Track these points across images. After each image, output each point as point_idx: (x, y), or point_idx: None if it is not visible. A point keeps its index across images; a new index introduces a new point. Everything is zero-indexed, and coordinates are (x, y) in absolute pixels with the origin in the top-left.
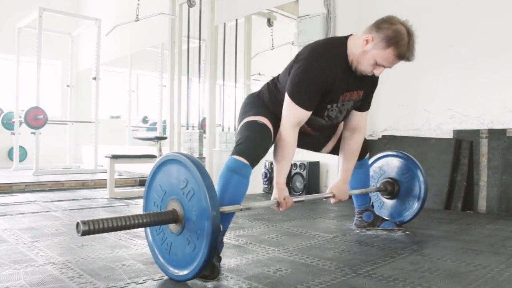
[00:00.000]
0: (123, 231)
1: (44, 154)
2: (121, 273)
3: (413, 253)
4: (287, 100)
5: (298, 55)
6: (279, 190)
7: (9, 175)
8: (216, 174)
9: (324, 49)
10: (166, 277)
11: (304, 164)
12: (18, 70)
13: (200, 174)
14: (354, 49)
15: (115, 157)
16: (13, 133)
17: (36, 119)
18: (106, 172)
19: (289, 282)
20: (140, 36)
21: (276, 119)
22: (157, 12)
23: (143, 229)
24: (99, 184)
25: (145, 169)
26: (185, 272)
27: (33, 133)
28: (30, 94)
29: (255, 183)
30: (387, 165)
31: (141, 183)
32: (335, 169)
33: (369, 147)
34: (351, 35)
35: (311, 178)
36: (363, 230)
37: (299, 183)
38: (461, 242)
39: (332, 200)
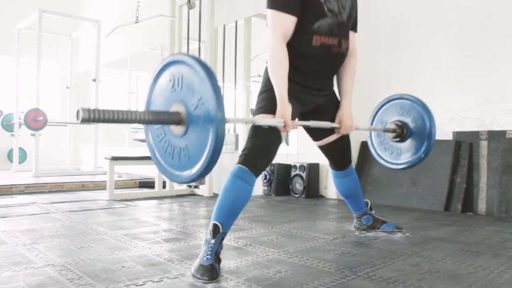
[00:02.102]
0: (123, 233)
1: (43, 156)
2: (121, 275)
3: (413, 254)
4: (268, 13)
5: None
6: (284, 107)
7: (9, 176)
8: (215, 176)
9: None
10: (166, 279)
11: (304, 166)
12: (18, 72)
13: (207, 76)
14: None
15: (114, 158)
16: (13, 135)
17: (35, 121)
18: (105, 174)
19: (289, 284)
20: (139, 37)
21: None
22: (156, 14)
23: (142, 231)
24: (99, 186)
25: (145, 171)
26: (191, 172)
27: (33, 134)
28: (30, 96)
29: (255, 185)
30: (393, 108)
31: (141, 184)
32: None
33: (350, 157)
34: None
35: (311, 179)
36: (363, 232)
37: (298, 185)
38: (461, 244)
39: (340, 131)
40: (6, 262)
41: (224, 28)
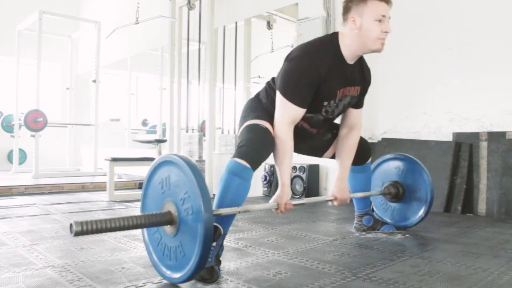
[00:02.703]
0: (122, 234)
1: (43, 157)
2: (121, 276)
3: (413, 256)
4: (279, 98)
5: (289, 54)
6: (283, 192)
7: (9, 177)
8: (216, 177)
9: (314, 46)
10: (165, 281)
11: (303, 167)
12: (18, 73)
13: (194, 176)
14: (348, 40)
15: (114, 160)
16: (13, 136)
17: (35, 122)
18: (105, 175)
19: (289, 285)
20: (140, 38)
21: None
22: (157, 15)
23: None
24: (99, 187)
25: (144, 172)
26: (178, 275)
27: (33, 135)
28: (30, 97)
29: (255, 186)
30: (391, 168)
31: (141, 186)
32: (334, 171)
33: (370, 152)
34: (337, 31)
35: (311, 181)
36: (363, 233)
37: (298, 186)
38: (461, 245)
39: (335, 203)
40: (6, 263)
41: (224, 29)
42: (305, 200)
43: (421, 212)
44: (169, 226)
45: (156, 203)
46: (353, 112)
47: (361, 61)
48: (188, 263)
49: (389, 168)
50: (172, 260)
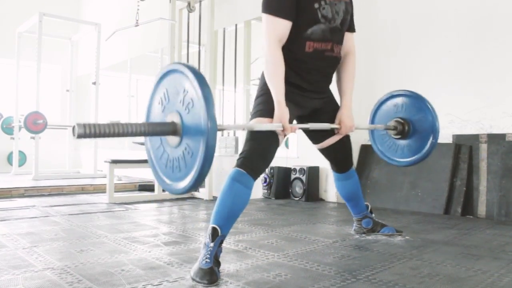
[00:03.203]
0: (122, 236)
1: (43, 159)
2: (120, 278)
3: (413, 258)
4: (264, 19)
5: None
6: (282, 110)
7: (9, 179)
8: (215, 179)
9: None
10: (165, 282)
11: (303, 169)
12: (18, 75)
13: (199, 84)
14: None
15: (114, 162)
16: (13, 138)
17: (35, 124)
18: (105, 177)
19: (289, 287)
20: (139, 41)
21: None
22: (157, 17)
23: (142, 234)
24: (99, 189)
25: (144, 174)
26: (181, 184)
27: (33, 137)
28: (29, 99)
29: (255, 188)
30: (394, 105)
31: (141, 188)
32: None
33: (352, 162)
34: None
35: (311, 183)
36: (363, 235)
37: (298, 188)
38: (461, 247)
39: (340, 131)
40: (6, 265)
41: (224, 31)
42: (309, 125)
43: (430, 140)
44: (172, 136)
45: (161, 112)
46: (346, 36)
47: None
48: (190, 172)
49: (397, 104)
50: (175, 171)
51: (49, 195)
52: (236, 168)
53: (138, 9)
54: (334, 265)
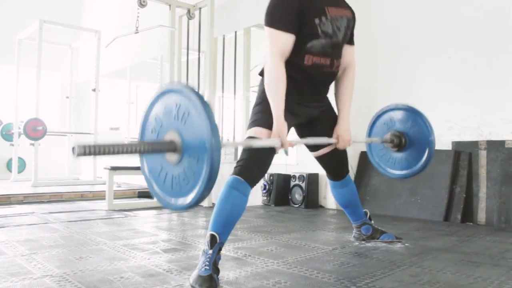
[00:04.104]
0: (121, 243)
1: (43, 166)
2: (120, 286)
3: (413, 265)
4: (267, 32)
5: None
6: (280, 125)
7: (8, 186)
8: (215, 187)
9: None
10: None
11: (303, 176)
12: (18, 81)
13: (199, 101)
14: None
15: (114, 168)
16: (12, 144)
17: (35, 130)
18: (105, 184)
19: None
20: (139, 48)
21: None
22: (156, 25)
23: (141, 241)
24: (98, 196)
25: (144, 181)
26: (186, 199)
27: (32, 144)
28: (29, 105)
29: (254, 195)
30: (395, 118)
31: (140, 194)
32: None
33: (348, 169)
34: None
35: (310, 190)
36: (362, 242)
37: (298, 195)
38: (461, 254)
39: (338, 146)
40: (4, 272)
41: (224, 38)
42: (307, 140)
43: (426, 154)
44: (171, 154)
45: (158, 130)
46: (346, 49)
47: None
48: (194, 188)
49: (393, 118)
50: (175, 188)
51: (48, 201)
52: (234, 176)
53: (138, 16)
54: (333, 272)
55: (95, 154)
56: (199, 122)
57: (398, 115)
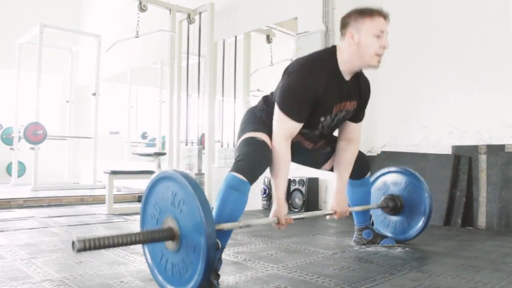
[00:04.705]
0: (121, 248)
1: (42, 170)
2: None
3: (413, 269)
4: (277, 112)
5: (287, 69)
6: (280, 206)
7: (8, 190)
8: (215, 190)
9: (313, 62)
10: None
11: (303, 180)
12: (18, 85)
13: (194, 190)
14: (345, 55)
15: (114, 172)
16: (12, 148)
17: (35, 135)
18: (105, 188)
19: None
20: (139, 52)
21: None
22: (157, 29)
23: (141, 245)
24: (98, 200)
25: (144, 185)
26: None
27: (32, 148)
28: (29, 110)
29: (254, 199)
30: (389, 181)
31: (140, 199)
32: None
33: (369, 167)
34: (335, 45)
35: (310, 194)
36: (363, 246)
37: (298, 199)
38: (461, 259)
39: (334, 217)
40: (3, 277)
41: (224, 42)
42: (304, 215)
43: (420, 224)
44: (170, 241)
45: (156, 219)
46: (351, 126)
47: (358, 75)
48: (192, 278)
49: (387, 182)
50: (175, 275)
51: (48, 206)
52: (232, 173)
53: (138, 21)
54: (334, 276)
55: (95, 248)
56: (193, 213)
57: (394, 178)
